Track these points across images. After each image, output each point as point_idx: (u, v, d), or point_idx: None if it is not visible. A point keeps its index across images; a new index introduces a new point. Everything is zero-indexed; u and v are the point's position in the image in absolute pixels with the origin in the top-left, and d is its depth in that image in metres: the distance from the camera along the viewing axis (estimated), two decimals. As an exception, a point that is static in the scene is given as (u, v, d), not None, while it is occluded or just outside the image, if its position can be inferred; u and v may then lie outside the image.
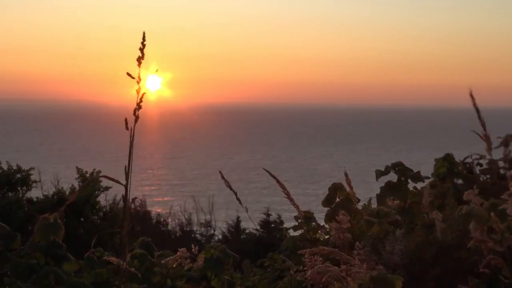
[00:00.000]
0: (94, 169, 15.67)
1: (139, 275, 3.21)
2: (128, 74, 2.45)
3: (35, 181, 15.44)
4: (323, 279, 2.90)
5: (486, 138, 2.97)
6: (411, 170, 4.38)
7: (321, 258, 3.13)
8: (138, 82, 2.49)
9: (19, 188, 15.04)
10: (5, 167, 15.13)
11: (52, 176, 17.11)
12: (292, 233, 4.67)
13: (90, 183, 14.48)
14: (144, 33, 2.47)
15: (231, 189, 3.01)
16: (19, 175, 15.08)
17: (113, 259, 3.15)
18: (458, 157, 5.01)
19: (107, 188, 15.51)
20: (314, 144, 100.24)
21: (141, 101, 2.51)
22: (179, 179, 57.21)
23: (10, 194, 14.71)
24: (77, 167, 15.58)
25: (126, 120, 2.40)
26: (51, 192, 14.80)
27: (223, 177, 3.06)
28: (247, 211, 3.17)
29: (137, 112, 2.53)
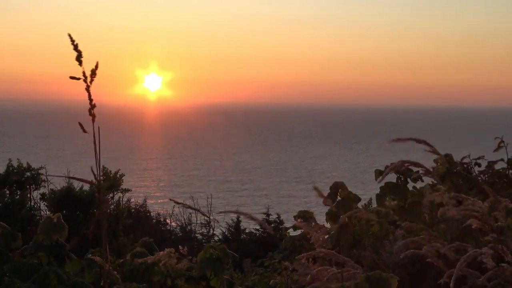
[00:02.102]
0: (119, 170, 15.87)
1: (118, 277, 3.19)
2: (72, 77, 2.45)
3: (44, 180, 15.48)
4: (322, 280, 2.90)
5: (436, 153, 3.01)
6: (411, 170, 4.38)
7: (314, 262, 3.14)
8: (85, 81, 2.49)
9: (28, 186, 15.07)
10: (15, 164, 15.15)
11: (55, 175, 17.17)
12: (292, 232, 4.69)
13: (107, 181, 14.67)
14: (69, 35, 2.46)
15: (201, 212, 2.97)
16: (28, 173, 15.11)
17: (97, 258, 3.14)
18: (457, 157, 5.02)
19: (126, 190, 15.70)
20: (313, 144, 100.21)
21: (91, 99, 2.51)
22: (178, 179, 57.18)
23: (18, 191, 14.76)
24: (103, 166, 15.79)
25: (80, 124, 2.42)
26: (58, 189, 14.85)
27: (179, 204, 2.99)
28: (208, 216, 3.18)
29: (92, 111, 2.54)
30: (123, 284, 3.32)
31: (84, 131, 2.45)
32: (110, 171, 15.57)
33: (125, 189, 15.75)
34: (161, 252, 3.59)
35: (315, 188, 2.98)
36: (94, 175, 2.52)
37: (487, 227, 3.21)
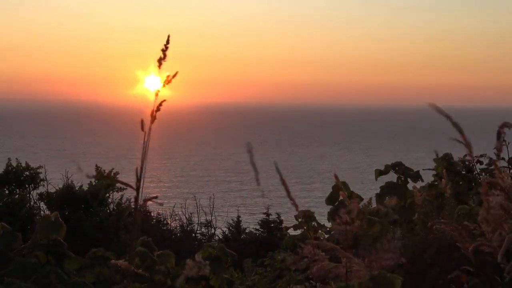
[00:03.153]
0: (112, 169, 15.86)
1: (145, 275, 3.22)
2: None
3: (43, 179, 15.52)
4: (326, 274, 2.90)
5: (467, 144, 2.98)
6: (411, 170, 4.39)
7: (323, 253, 3.14)
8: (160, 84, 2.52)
9: (27, 186, 15.12)
10: (14, 164, 15.19)
11: (56, 176, 17.21)
12: (292, 232, 4.69)
13: (106, 180, 14.66)
14: (168, 36, 2.49)
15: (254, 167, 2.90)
16: (27, 173, 15.16)
17: (120, 263, 3.15)
18: (457, 157, 5.02)
19: (121, 189, 15.66)
20: (312, 144, 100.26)
21: (160, 104, 2.53)
22: (178, 179, 57.21)
23: (18, 191, 14.81)
24: (96, 165, 15.73)
25: (142, 121, 2.43)
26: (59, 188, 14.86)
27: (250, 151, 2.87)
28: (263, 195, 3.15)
29: (154, 112, 2.55)
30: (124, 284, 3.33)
31: (143, 129, 2.47)
32: (104, 170, 15.56)
33: (121, 187, 15.73)
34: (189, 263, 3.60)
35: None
36: (138, 177, 2.50)
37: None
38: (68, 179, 15.87)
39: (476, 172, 5.07)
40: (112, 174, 15.35)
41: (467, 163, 5.00)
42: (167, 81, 2.46)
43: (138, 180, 2.45)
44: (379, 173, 4.40)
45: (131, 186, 2.39)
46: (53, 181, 16.36)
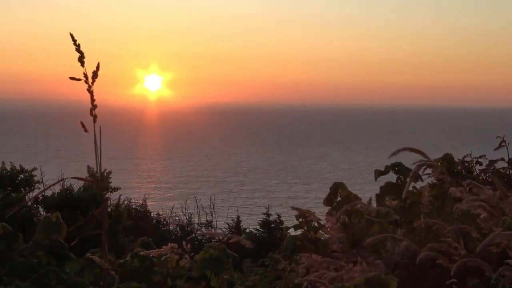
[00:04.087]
0: (105, 170, 15.68)
1: (115, 277, 3.19)
2: (72, 77, 2.45)
3: (38, 182, 15.41)
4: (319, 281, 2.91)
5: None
6: (410, 170, 4.37)
7: (320, 257, 3.14)
8: (86, 82, 2.49)
9: (22, 189, 15.00)
10: (8, 167, 15.09)
11: (54, 176, 17.14)
12: (292, 232, 4.68)
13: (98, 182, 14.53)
14: (71, 34, 2.46)
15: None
16: (22, 176, 15.04)
17: (95, 258, 3.16)
18: (457, 157, 5.01)
19: (115, 189, 15.51)
20: (312, 144, 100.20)
21: (93, 100, 2.52)
22: (178, 179, 57.16)
23: (13, 194, 14.68)
24: (88, 166, 15.51)
25: (82, 123, 2.42)
26: (57, 191, 14.73)
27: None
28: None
29: (93, 111, 2.54)
30: (123, 284, 3.32)
31: (86, 130, 2.45)
32: (96, 171, 15.39)
33: (114, 188, 15.52)
34: (164, 247, 3.60)
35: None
36: (94, 174, 2.52)
37: (494, 219, 3.19)
38: (64, 181, 15.74)
39: (475, 173, 5.06)
40: (105, 174, 15.20)
41: (466, 164, 4.99)
42: (94, 75, 2.45)
43: (99, 180, 2.47)
44: (379, 173, 4.39)
45: (89, 181, 2.40)
46: (51, 182, 16.29)
